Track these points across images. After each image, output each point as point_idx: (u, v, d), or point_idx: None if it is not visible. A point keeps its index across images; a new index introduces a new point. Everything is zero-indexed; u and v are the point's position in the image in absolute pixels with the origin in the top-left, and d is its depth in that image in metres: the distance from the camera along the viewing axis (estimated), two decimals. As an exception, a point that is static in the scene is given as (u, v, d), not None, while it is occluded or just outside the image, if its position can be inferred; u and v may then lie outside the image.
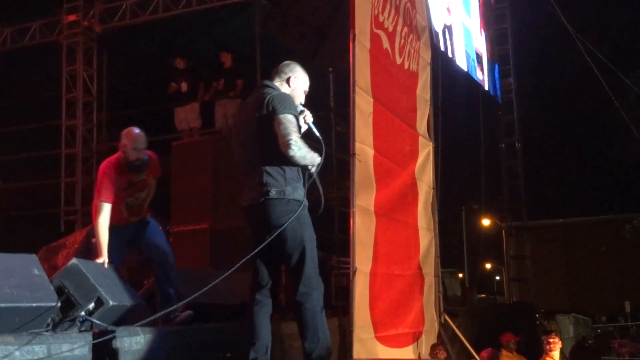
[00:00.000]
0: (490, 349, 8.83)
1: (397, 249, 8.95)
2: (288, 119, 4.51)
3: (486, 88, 16.41)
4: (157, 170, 5.86)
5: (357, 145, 7.60)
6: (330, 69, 11.24)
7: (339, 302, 9.39)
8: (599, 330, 21.83)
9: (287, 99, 4.65)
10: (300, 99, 4.87)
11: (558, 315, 23.82)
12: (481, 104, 18.10)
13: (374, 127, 8.13)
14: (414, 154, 9.80)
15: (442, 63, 11.53)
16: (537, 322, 18.37)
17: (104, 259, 5.37)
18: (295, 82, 4.85)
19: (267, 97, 4.65)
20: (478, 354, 9.92)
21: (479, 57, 15.74)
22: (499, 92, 17.52)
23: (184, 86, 12.26)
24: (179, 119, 12.34)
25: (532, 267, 20.58)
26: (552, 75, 33.76)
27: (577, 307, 28.37)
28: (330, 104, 11.16)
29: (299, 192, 4.60)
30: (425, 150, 10.17)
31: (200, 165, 11.49)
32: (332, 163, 9.84)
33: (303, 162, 4.53)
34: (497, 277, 36.93)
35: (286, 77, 4.86)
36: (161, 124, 12.95)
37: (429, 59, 10.55)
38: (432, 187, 10.36)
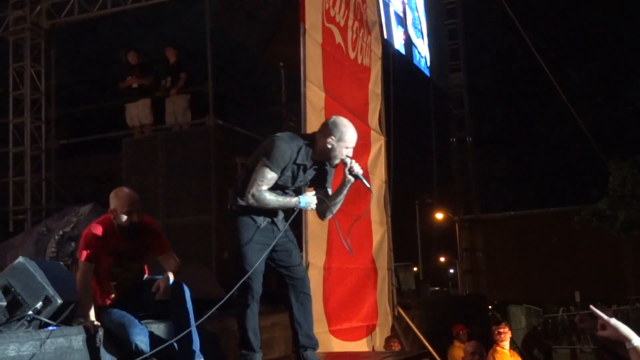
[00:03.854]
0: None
1: (351, 243, 8.95)
2: (259, 169, 4.73)
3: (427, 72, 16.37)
4: (159, 245, 5.09)
5: (309, 140, 7.57)
6: (281, 63, 11.21)
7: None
8: (545, 316, 22.23)
9: (271, 150, 4.72)
10: (340, 156, 4.82)
11: (510, 306, 24.15)
12: (432, 98, 18.23)
13: (326, 122, 8.11)
14: (366, 148, 9.81)
15: (393, 57, 11.58)
16: (490, 314, 18.59)
17: (90, 322, 4.74)
18: (332, 142, 4.77)
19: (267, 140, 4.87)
20: (431, 345, 9.98)
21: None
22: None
23: (135, 82, 12.10)
24: (130, 115, 12.18)
25: (485, 260, 20.82)
26: (502, 70, 34.12)
27: (529, 298, 28.75)
28: (282, 99, 11.17)
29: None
30: (377, 144, 10.20)
31: (151, 162, 11.38)
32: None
33: (265, 207, 4.79)
34: (451, 270, 37.22)
35: (325, 136, 4.82)
36: (112, 121, 12.79)
37: (380, 53, 10.58)
38: (384, 181, 10.39)
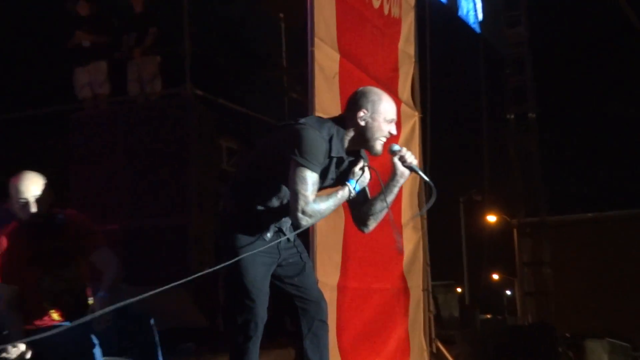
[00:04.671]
0: None
1: (374, 254, 8.96)
2: (296, 175, 4.61)
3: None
4: (89, 240, 5.17)
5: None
6: (282, 15, 11.20)
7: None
8: (636, 354, 22.13)
9: (302, 144, 4.59)
10: (379, 134, 4.80)
11: (588, 341, 24.12)
12: (482, 61, 18.19)
13: (342, 92, 8.09)
14: (397, 128, 9.81)
15: (430, 6, 11.55)
16: (560, 350, 18.59)
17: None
18: (365, 118, 4.76)
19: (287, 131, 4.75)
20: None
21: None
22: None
23: (86, 39, 12.11)
24: (81, 83, 12.21)
25: (553, 278, 20.82)
26: (577, 24, 33.99)
27: (613, 330, 28.71)
28: (282, 62, 11.14)
29: None
30: (410, 122, 10.19)
31: (108, 144, 11.42)
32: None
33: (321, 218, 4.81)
34: (508, 292, 37.25)
35: (355, 112, 4.78)
36: (56, 91, 12.83)
37: (413, 2, 10.54)
38: (419, 171, 10.38)
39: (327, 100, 7.80)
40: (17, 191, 4.94)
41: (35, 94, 13.18)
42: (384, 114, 4.78)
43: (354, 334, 8.18)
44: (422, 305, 10.19)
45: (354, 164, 4.89)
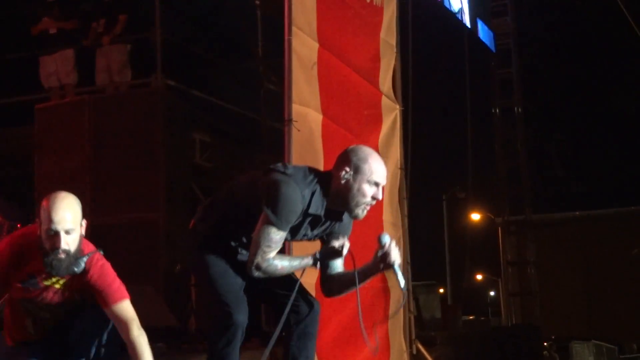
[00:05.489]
0: None
1: (354, 252, 8.96)
2: (262, 228, 4.58)
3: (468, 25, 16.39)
4: (101, 295, 4.82)
5: (296, 107, 7.54)
6: (258, 1, 11.18)
7: (272, 328, 9.38)
8: (623, 357, 22.26)
9: (277, 200, 4.52)
10: (361, 200, 4.63)
11: (574, 343, 24.23)
12: (467, 52, 18.19)
13: (321, 84, 8.09)
14: (376, 121, 9.79)
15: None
16: (545, 353, 18.67)
17: None
18: (347, 176, 4.59)
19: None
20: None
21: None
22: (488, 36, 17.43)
23: (53, 26, 12.06)
24: (47, 72, 12.16)
25: (539, 278, 20.86)
26: (566, 14, 34.04)
27: (599, 332, 28.84)
28: (258, 51, 11.11)
29: None
30: (391, 115, 10.17)
31: (75, 137, 11.37)
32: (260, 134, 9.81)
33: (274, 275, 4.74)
34: (492, 292, 37.37)
35: (338, 170, 4.64)
36: (20, 80, 12.77)
37: (396, -11, 10.54)
38: (400, 166, 10.37)
39: (305, 92, 7.79)
40: (49, 220, 4.54)
41: (-2, 83, 13.11)
42: (367, 175, 4.58)
43: (331, 334, 8.17)
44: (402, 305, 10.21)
45: (327, 237, 4.88)
